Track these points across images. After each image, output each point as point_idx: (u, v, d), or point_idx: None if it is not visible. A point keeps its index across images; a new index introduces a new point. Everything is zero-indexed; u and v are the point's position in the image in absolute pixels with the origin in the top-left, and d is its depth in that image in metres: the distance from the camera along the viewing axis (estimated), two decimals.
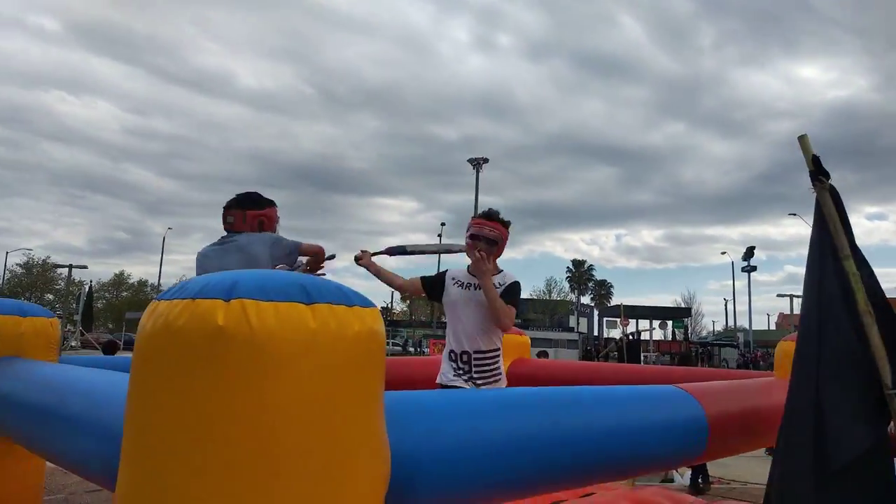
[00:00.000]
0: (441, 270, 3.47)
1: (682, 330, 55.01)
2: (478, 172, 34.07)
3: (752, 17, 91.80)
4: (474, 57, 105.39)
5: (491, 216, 3.29)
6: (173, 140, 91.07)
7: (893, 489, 1.83)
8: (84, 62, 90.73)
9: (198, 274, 2.71)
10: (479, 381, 3.16)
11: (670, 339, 55.25)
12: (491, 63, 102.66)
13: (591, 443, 1.86)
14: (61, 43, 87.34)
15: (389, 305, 74.01)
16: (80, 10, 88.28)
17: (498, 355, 3.23)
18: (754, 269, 48.72)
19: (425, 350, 35.71)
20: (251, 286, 1.16)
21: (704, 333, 65.98)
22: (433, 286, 3.42)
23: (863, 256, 2.02)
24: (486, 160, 34.43)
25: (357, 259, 3.53)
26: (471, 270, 3.23)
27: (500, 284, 3.18)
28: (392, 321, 64.32)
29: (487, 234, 3.23)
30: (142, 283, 73.37)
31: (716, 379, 3.06)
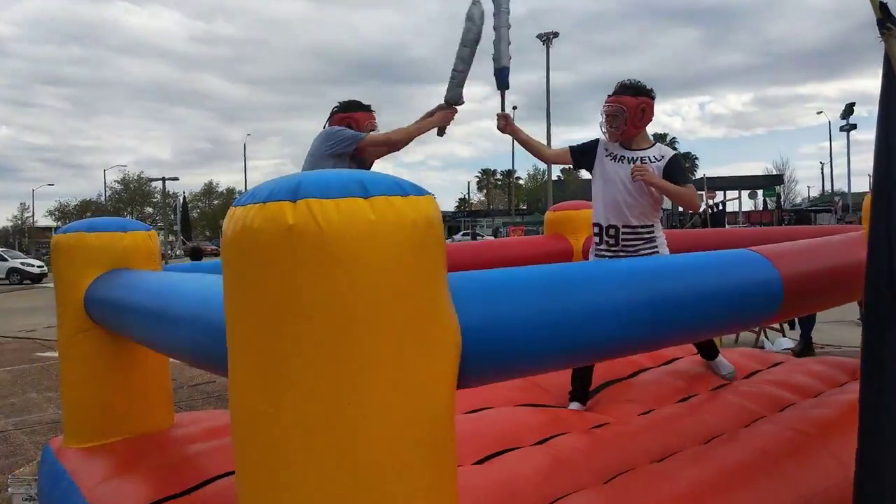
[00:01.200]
0: (594, 139, 3.44)
1: (773, 198, 52.51)
2: (548, 48, 32.55)
3: None
4: None
5: (616, 88, 3.26)
6: (238, 43, 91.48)
7: None
8: None
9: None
10: (629, 255, 3.16)
11: (761, 208, 53.01)
12: None
13: (659, 309, 1.90)
14: None
15: (466, 196, 74.37)
16: None
17: (651, 232, 3.19)
18: (854, 127, 44.97)
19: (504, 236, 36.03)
20: (313, 186, 1.25)
21: (799, 200, 62.77)
22: (584, 154, 3.42)
23: None
24: (556, 34, 32.69)
25: (500, 128, 3.49)
26: (634, 176, 3.14)
27: (657, 157, 3.17)
28: (471, 211, 64.83)
29: (605, 110, 3.25)
30: (230, 191, 76.81)
31: (801, 237, 3.01)
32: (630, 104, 3.18)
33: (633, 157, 3.20)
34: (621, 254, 3.16)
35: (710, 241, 4.22)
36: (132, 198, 65.18)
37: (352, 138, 3.22)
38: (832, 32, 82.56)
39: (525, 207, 64.91)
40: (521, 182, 76.32)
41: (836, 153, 49.57)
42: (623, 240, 3.18)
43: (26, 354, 8.97)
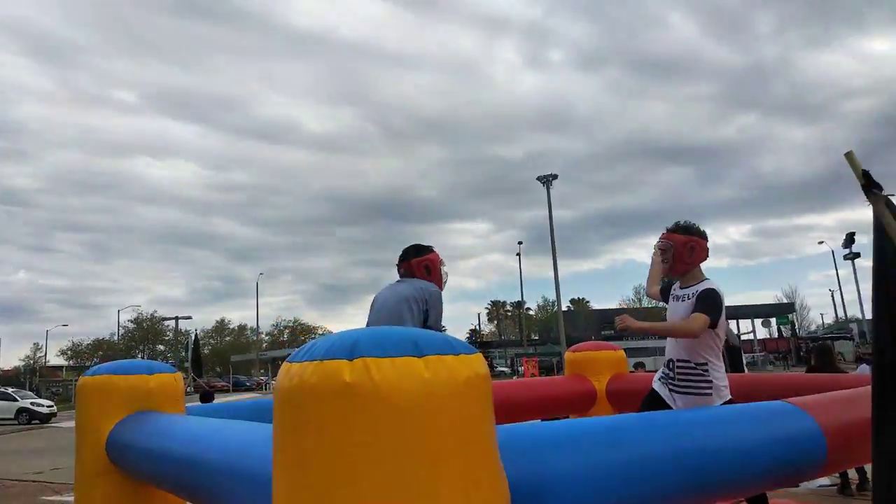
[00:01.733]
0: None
1: (787, 326, 52.02)
2: (548, 189, 33.82)
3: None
4: (528, 75, 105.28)
5: (670, 227, 3.45)
6: (252, 189, 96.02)
7: None
8: (163, 127, 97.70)
9: (372, 308, 3.65)
10: (679, 390, 3.25)
11: (776, 336, 52.40)
12: (545, 79, 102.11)
13: (703, 465, 1.89)
14: (140, 112, 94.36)
15: (478, 328, 74.24)
16: (151, 79, 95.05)
17: (705, 370, 3.19)
18: (857, 255, 45.40)
19: (519, 369, 35.48)
20: (370, 344, 1.30)
21: (813, 328, 62.10)
22: (665, 293, 3.58)
23: None
24: (555, 176, 34.13)
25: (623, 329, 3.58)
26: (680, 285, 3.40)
27: (695, 293, 3.26)
28: (482, 342, 64.39)
29: (658, 247, 3.47)
30: (241, 328, 77.13)
31: (838, 387, 2.98)
32: (679, 241, 3.36)
33: (680, 295, 3.39)
34: (674, 386, 3.27)
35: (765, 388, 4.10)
36: (145, 336, 65.45)
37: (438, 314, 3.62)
38: (819, 167, 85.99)
39: (537, 338, 64.45)
40: (531, 312, 76.51)
41: (844, 279, 49.67)
42: (678, 373, 3.28)
43: (31, 499, 8.62)
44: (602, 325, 54.63)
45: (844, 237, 46.20)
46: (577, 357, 5.09)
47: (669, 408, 3.25)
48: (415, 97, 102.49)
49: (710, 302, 3.14)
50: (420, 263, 3.75)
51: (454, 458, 1.28)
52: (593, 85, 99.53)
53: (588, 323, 55.22)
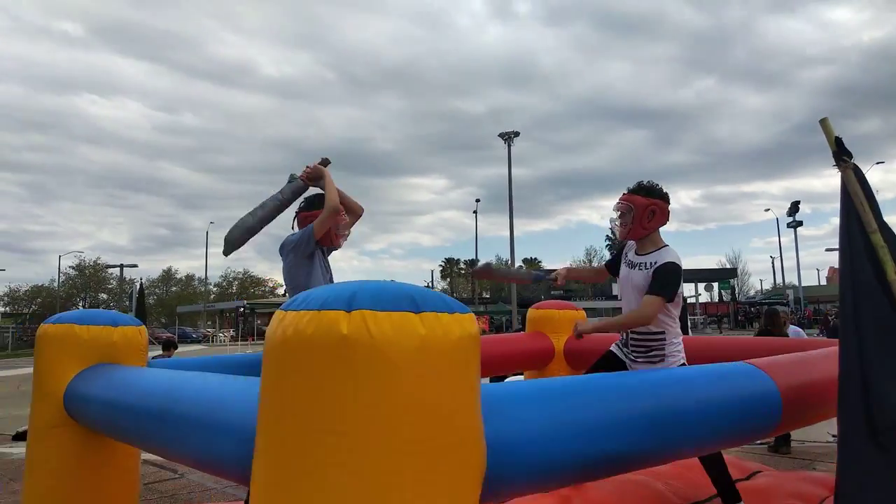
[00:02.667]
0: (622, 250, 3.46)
1: (728, 291, 54.12)
2: (509, 147, 33.75)
3: None
4: (493, 26, 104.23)
5: (631, 188, 3.24)
6: (203, 134, 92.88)
7: None
8: (110, 63, 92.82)
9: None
10: (638, 360, 3.18)
11: (717, 300, 54.49)
12: (511, 31, 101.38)
13: (669, 424, 1.96)
14: (86, 46, 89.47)
15: (430, 285, 74.72)
16: (100, 12, 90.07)
17: (661, 338, 3.11)
18: (800, 224, 47.42)
19: None
20: (368, 298, 1.29)
21: (752, 293, 64.79)
22: (614, 265, 3.44)
23: (890, 229, 2.11)
24: (516, 134, 34.02)
25: (555, 281, 3.63)
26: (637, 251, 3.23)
27: (652, 264, 3.09)
28: None
29: (616, 207, 3.24)
30: (189, 278, 75.56)
31: (790, 350, 3.11)
32: (640, 204, 3.14)
33: (637, 263, 3.20)
34: (632, 356, 3.19)
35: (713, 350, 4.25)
36: (87, 284, 63.45)
37: (305, 238, 3.24)
38: (772, 134, 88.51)
39: (488, 296, 65.34)
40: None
41: (785, 247, 51.86)
42: (632, 344, 3.18)
43: None
44: (552, 285, 55.57)
45: (789, 206, 48.10)
46: (538, 315, 5.18)
47: (625, 368, 3.24)
48: (376, 44, 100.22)
49: (666, 279, 3.01)
50: (307, 219, 3.37)
51: (445, 413, 1.30)
52: (558, 40, 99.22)
53: (538, 283, 56.16)
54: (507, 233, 33.80)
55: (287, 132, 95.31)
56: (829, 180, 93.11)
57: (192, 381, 2.16)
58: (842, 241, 2.16)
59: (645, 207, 3.14)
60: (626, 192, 3.24)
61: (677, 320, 3.19)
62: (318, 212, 3.32)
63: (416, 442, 1.26)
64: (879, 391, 1.95)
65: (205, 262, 56.80)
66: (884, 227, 2.10)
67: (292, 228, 3.45)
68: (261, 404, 1.39)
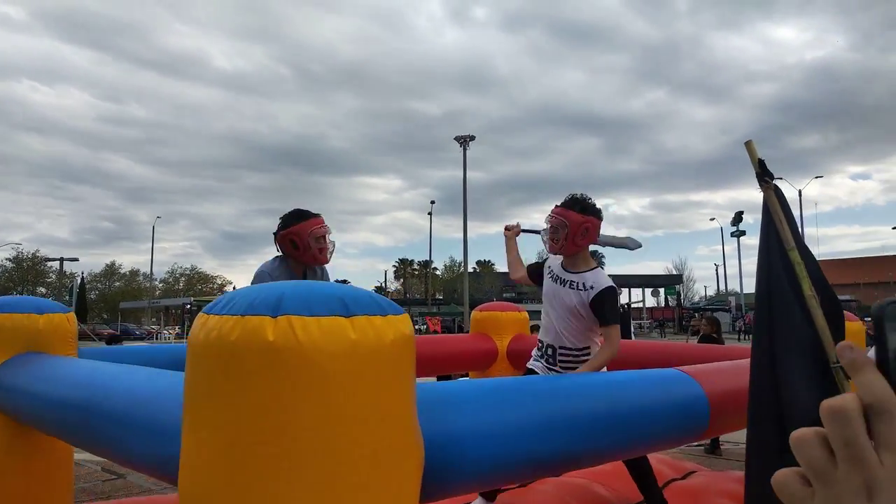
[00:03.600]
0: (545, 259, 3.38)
1: (674, 296, 55.56)
2: (465, 150, 33.92)
3: None
4: (450, 30, 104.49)
5: (564, 201, 3.13)
6: (150, 126, 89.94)
7: None
8: (54, 50, 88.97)
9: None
10: (554, 372, 3.10)
11: (663, 305, 55.91)
12: (468, 36, 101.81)
13: (602, 426, 1.99)
14: (28, 31, 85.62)
15: (383, 285, 74.31)
16: None
17: (588, 352, 3.07)
18: (743, 233, 49.04)
19: (422, 328, 35.99)
20: (296, 301, 1.26)
21: (697, 299, 66.67)
22: (536, 273, 3.36)
23: (806, 247, 2.22)
24: (472, 138, 34.23)
25: (508, 227, 3.50)
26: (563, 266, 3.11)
27: (588, 286, 3.00)
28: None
29: (548, 220, 3.13)
30: (133, 273, 73.17)
31: (725, 357, 3.20)
32: (574, 220, 3.02)
33: (566, 280, 3.10)
34: (558, 370, 3.10)
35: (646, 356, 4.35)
36: (24, 277, 60.70)
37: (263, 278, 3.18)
38: (717, 146, 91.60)
39: (441, 297, 65.40)
40: (438, 273, 77.45)
41: (728, 255, 53.65)
42: (560, 361, 3.09)
43: None
44: (504, 287, 56.17)
45: (733, 215, 49.67)
46: (482, 316, 5.22)
47: None
48: (332, 41, 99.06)
49: (613, 306, 3.00)
50: (285, 238, 3.24)
51: (376, 420, 1.29)
52: (514, 46, 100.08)
53: (492, 285, 56.65)
54: (461, 234, 33.97)
55: (238, 127, 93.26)
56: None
57: (120, 374, 2.09)
58: (760, 256, 2.28)
59: (579, 225, 3.02)
60: (558, 205, 3.12)
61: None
62: (297, 226, 3.24)
63: (350, 448, 1.25)
64: (791, 396, 2.04)
65: (150, 257, 55.07)
66: (801, 244, 2.21)
67: (275, 246, 3.36)
68: (185, 410, 1.34)
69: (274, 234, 3.32)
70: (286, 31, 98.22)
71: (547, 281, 3.20)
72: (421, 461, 1.43)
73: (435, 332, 33.49)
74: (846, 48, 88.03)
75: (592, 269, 3.11)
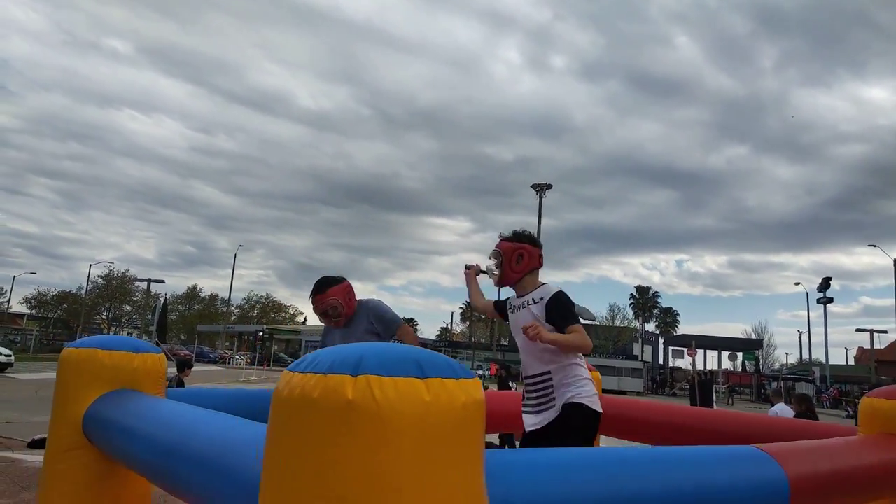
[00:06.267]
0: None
1: (752, 362, 52.85)
2: (541, 198, 34.03)
3: (814, 37, 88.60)
4: (527, 77, 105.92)
5: (501, 237, 3.36)
6: (236, 157, 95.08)
7: None
8: (153, 82, 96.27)
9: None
10: (527, 407, 3.14)
11: (740, 370, 53.17)
12: (544, 84, 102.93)
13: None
14: (132, 64, 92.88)
15: (449, 326, 74.27)
16: (149, 33, 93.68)
17: (548, 380, 3.05)
18: (831, 300, 46.37)
19: (485, 373, 35.62)
20: (374, 362, 1.32)
21: (777, 366, 63.14)
22: (501, 309, 3.50)
23: None
24: (549, 186, 34.36)
25: (468, 266, 3.67)
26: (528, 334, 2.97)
27: (537, 299, 3.12)
28: (451, 342, 64.47)
29: (490, 256, 3.36)
30: (212, 297, 76.30)
31: (809, 436, 3.03)
32: (506, 248, 3.24)
33: (517, 305, 3.24)
34: (530, 404, 3.12)
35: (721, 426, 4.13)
36: (112, 294, 64.39)
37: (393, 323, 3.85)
38: (801, 207, 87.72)
39: (507, 343, 64.76)
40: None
41: (813, 322, 50.63)
42: (526, 391, 3.17)
43: None
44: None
45: (820, 281, 47.13)
46: None
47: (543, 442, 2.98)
48: (412, 85, 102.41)
49: (567, 307, 3.03)
50: (342, 290, 3.82)
51: (448, 481, 1.31)
52: (591, 96, 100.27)
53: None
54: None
55: (317, 163, 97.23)
56: (860, 258, 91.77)
57: (204, 418, 2.19)
58: None
59: (512, 251, 3.23)
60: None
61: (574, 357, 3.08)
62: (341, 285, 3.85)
63: None
64: None
65: (230, 283, 57.38)
66: None
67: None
68: (265, 462, 1.41)
69: (315, 294, 3.85)
70: (368, 74, 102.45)
71: (510, 317, 3.34)
72: None
73: (490, 376, 33.10)
74: None
75: (538, 286, 3.22)
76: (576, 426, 2.98)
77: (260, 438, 1.75)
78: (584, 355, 3.14)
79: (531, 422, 3.12)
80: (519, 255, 3.22)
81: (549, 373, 3.08)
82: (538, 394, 3.11)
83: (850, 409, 26.62)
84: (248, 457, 1.67)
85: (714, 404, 9.30)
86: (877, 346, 48.31)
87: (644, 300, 72.41)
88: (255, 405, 3.53)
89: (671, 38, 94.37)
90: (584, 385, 3.07)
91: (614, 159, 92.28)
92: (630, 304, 70.87)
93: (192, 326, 67.09)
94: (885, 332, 48.00)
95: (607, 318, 65.64)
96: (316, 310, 3.81)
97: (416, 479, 1.27)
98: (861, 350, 64.17)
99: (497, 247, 3.30)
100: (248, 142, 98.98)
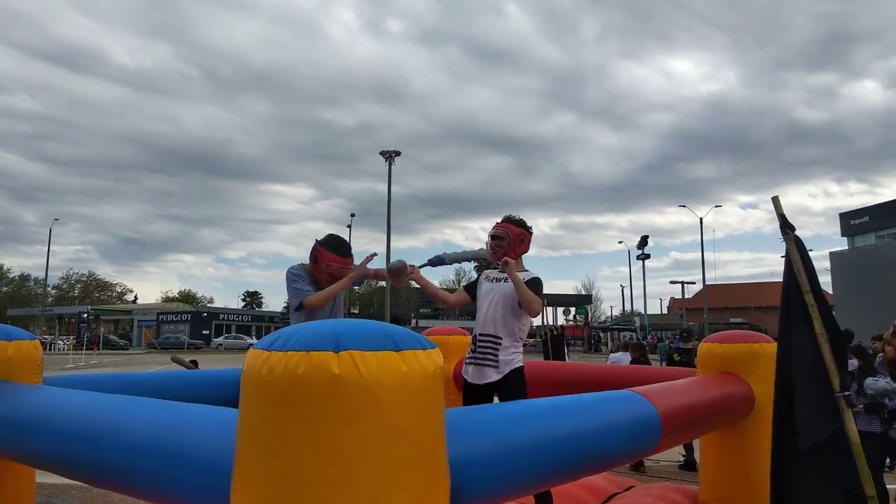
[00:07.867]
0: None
1: (583, 315, 57.71)
2: (390, 165, 34.20)
3: (629, 12, 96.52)
4: (366, 41, 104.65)
5: (505, 218, 3.84)
6: (41, 120, 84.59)
7: (850, 466, 2.43)
8: None
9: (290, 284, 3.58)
10: (472, 358, 3.61)
11: (571, 323, 57.89)
12: (383, 48, 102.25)
13: (578, 445, 2.22)
14: None
15: None
16: None
17: (497, 343, 3.54)
18: (648, 256, 51.78)
19: None
20: (353, 338, 1.42)
21: (603, 318, 69.48)
22: (472, 288, 3.89)
23: (820, 291, 2.64)
24: (398, 153, 34.58)
25: (408, 273, 3.79)
26: (500, 269, 3.67)
27: (523, 279, 3.54)
28: None
29: (494, 232, 3.78)
30: (23, 278, 68.31)
31: (660, 379, 3.52)
32: (514, 232, 3.74)
33: (499, 278, 3.68)
34: (480, 359, 3.58)
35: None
36: None
37: (296, 297, 3.57)
38: (621, 171, 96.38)
39: (357, 312, 64.92)
40: (356, 288, 76.86)
41: (633, 276, 56.45)
42: (478, 345, 3.59)
43: None
44: (420, 302, 56.51)
45: (639, 239, 52.30)
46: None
47: (485, 394, 3.55)
48: (243, 45, 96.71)
49: (540, 289, 3.60)
50: (314, 252, 3.73)
51: (424, 441, 1.46)
52: (430, 62, 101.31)
53: (409, 300, 56.84)
54: (373, 248, 34.02)
55: (139, 126, 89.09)
56: (670, 217, 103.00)
57: (131, 404, 2.13)
58: (783, 296, 2.65)
59: (518, 235, 3.75)
60: (500, 221, 3.83)
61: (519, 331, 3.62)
62: (324, 252, 3.65)
63: (402, 472, 1.41)
64: (802, 421, 2.42)
65: (46, 262, 51.47)
66: (816, 289, 2.60)
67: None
68: (241, 443, 1.45)
69: (316, 240, 3.77)
70: (193, 31, 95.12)
71: (485, 284, 3.78)
72: (448, 480, 1.59)
73: None
74: (738, 84, 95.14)
75: (525, 270, 3.73)
76: (520, 385, 3.59)
77: (204, 420, 1.77)
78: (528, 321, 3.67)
79: (473, 374, 3.62)
80: (521, 240, 3.75)
81: (500, 338, 3.59)
82: (485, 350, 3.59)
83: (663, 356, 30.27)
84: (202, 439, 1.69)
85: (566, 357, 10.16)
86: (688, 297, 54.83)
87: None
88: (140, 389, 3.38)
89: (502, 6, 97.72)
90: (519, 355, 3.66)
91: (455, 127, 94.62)
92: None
93: (2, 310, 59.63)
94: (693, 283, 54.64)
95: (454, 282, 68.05)
96: (335, 270, 3.63)
97: (402, 442, 1.40)
98: (673, 300, 72.51)
99: (505, 227, 3.73)
100: (54, 102, 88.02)
